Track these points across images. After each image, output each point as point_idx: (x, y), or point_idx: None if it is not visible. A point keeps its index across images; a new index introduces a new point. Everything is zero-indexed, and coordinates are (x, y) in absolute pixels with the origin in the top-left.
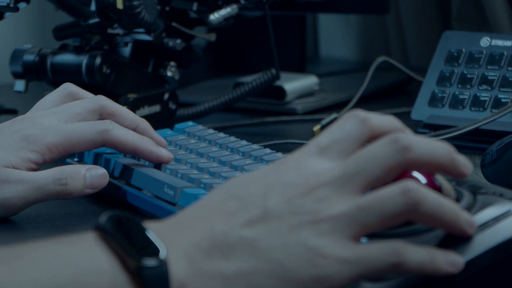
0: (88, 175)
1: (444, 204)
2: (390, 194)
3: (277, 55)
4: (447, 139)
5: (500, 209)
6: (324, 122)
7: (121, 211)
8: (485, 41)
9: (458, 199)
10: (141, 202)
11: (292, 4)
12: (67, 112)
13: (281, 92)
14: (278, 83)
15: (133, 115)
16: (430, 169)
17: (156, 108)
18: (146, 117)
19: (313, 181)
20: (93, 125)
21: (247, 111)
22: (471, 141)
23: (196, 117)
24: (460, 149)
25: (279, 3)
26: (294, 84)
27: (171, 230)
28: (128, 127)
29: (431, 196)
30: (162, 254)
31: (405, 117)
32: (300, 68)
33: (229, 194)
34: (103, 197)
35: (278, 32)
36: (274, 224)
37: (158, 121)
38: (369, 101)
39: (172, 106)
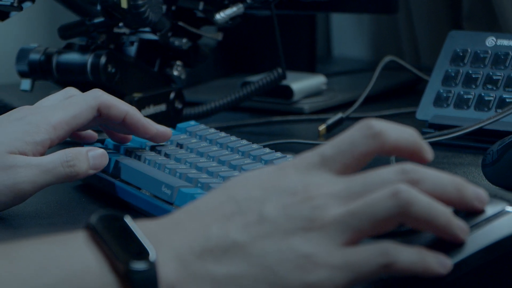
0: (91, 156)
1: (435, 207)
2: (381, 197)
3: (287, 55)
4: (451, 139)
5: (492, 209)
6: (329, 122)
7: (113, 210)
8: (490, 41)
9: None
10: (139, 201)
11: (300, 3)
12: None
13: (289, 91)
14: (285, 82)
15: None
16: (436, 197)
17: (162, 107)
18: (152, 116)
19: (313, 190)
20: (87, 94)
21: (255, 111)
22: (475, 141)
23: (202, 117)
24: (464, 149)
25: (286, 2)
26: (301, 84)
27: (164, 230)
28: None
29: (422, 198)
30: (152, 257)
31: (411, 117)
32: (310, 67)
33: (226, 196)
34: (102, 196)
35: (288, 32)
36: (269, 230)
37: (164, 120)
38: (377, 101)
39: (178, 105)
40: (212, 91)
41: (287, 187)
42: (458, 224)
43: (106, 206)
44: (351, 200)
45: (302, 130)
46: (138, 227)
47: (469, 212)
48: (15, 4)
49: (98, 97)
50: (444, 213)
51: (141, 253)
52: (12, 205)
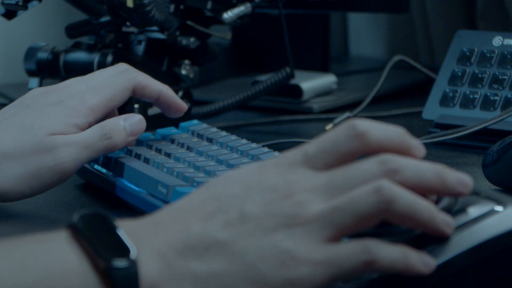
0: (127, 124)
1: (418, 203)
2: (363, 193)
3: (301, 54)
4: (456, 139)
5: (480, 209)
6: (336, 121)
7: (95, 209)
8: (497, 41)
9: (439, 200)
10: (137, 200)
11: (312, 2)
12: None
13: (298, 90)
14: (295, 81)
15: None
16: (417, 186)
17: None
18: (159, 115)
19: (294, 186)
20: (121, 75)
21: (264, 110)
22: (479, 141)
23: (211, 116)
24: (469, 148)
25: (298, 2)
26: (311, 83)
27: (146, 229)
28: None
29: (405, 194)
30: (133, 254)
31: (418, 117)
32: (324, 67)
33: (207, 195)
34: (102, 195)
35: (302, 31)
36: (250, 227)
37: (172, 119)
38: (387, 100)
39: (186, 104)
40: (222, 90)
41: (268, 185)
42: (443, 219)
43: (105, 205)
44: (333, 194)
45: (311, 130)
46: (120, 226)
47: (456, 211)
48: (20, 3)
49: (132, 78)
50: (427, 208)
51: (122, 250)
52: (57, 184)
